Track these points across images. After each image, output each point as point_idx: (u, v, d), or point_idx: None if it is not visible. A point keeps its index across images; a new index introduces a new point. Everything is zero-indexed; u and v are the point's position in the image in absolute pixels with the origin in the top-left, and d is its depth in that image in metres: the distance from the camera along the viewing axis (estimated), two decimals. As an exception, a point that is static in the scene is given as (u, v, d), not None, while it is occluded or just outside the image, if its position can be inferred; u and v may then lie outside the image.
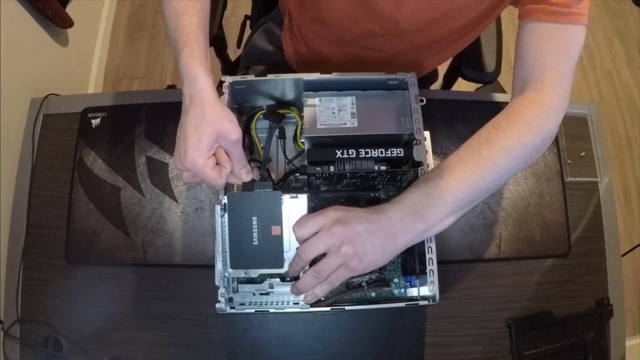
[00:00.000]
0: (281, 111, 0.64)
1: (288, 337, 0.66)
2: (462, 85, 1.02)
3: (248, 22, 1.07)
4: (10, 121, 0.92)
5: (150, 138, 0.75)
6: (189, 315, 0.68)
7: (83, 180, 0.73)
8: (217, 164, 0.50)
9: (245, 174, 0.53)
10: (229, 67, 1.09)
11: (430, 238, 0.52)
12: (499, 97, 0.80)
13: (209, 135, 0.48)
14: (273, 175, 0.64)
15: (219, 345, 0.67)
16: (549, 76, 0.54)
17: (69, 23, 1.24)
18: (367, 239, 0.47)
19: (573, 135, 0.79)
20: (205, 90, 0.49)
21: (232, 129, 0.49)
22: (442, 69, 1.03)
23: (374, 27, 0.66)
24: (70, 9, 1.26)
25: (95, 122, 0.76)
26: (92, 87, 1.54)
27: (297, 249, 0.49)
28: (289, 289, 0.52)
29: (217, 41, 0.97)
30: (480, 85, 0.98)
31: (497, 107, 0.77)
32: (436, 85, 1.08)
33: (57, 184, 0.74)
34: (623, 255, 0.77)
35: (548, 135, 0.54)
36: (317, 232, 0.48)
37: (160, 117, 0.76)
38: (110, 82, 1.64)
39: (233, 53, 1.09)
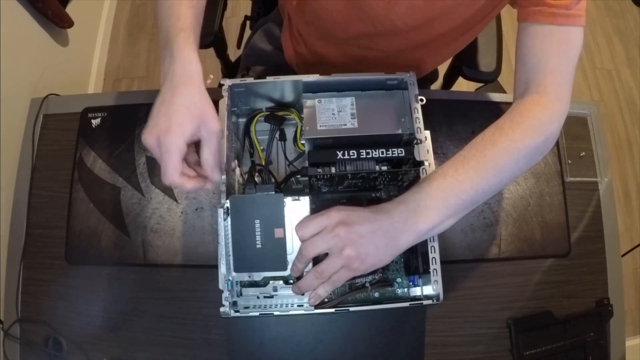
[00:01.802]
0: (281, 113, 0.64)
1: (288, 337, 0.66)
2: (462, 85, 1.02)
3: (248, 22, 1.07)
4: (10, 121, 0.92)
5: (150, 138, 0.74)
6: (189, 315, 0.68)
7: (83, 180, 0.73)
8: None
9: (217, 172, 0.50)
10: (229, 68, 1.09)
11: (433, 237, 0.52)
12: (499, 97, 0.80)
13: (195, 117, 0.48)
14: (274, 179, 0.64)
15: (220, 345, 0.67)
16: (550, 79, 0.55)
17: (69, 23, 1.25)
18: (369, 240, 0.47)
19: (573, 135, 0.79)
20: (198, 75, 0.50)
21: (215, 118, 0.49)
22: (442, 69, 1.03)
23: (369, 28, 0.66)
24: (70, 9, 1.26)
25: (95, 122, 0.76)
26: (92, 87, 1.54)
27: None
28: (292, 290, 0.52)
29: (217, 41, 0.96)
30: (480, 85, 0.98)
31: (497, 107, 0.78)
32: (436, 85, 1.08)
33: (57, 184, 0.74)
34: (623, 255, 0.77)
35: (551, 137, 0.55)
36: (319, 232, 0.48)
37: (160, 117, 0.75)
38: (110, 82, 1.64)
39: (233, 53, 1.08)
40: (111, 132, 0.75)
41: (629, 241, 1.52)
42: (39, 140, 0.77)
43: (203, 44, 0.88)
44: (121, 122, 0.76)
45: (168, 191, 0.72)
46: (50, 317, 0.69)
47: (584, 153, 0.78)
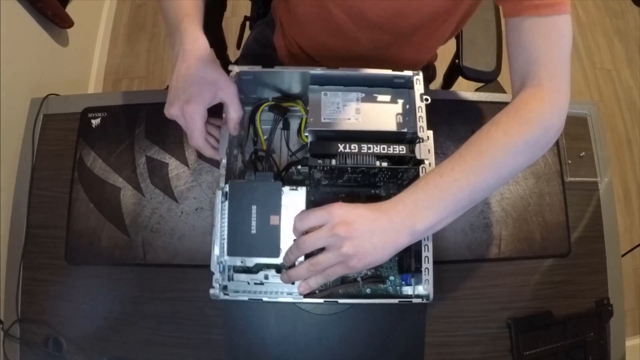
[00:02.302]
0: (286, 104, 0.64)
1: (287, 337, 0.66)
2: (462, 85, 1.02)
3: (247, 23, 1.07)
4: (10, 121, 0.92)
5: (150, 138, 0.75)
6: (189, 315, 0.68)
7: (83, 180, 0.73)
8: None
9: (237, 129, 0.57)
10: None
11: (427, 237, 0.52)
12: (499, 97, 0.80)
13: (211, 85, 0.53)
14: (275, 168, 0.64)
15: (219, 345, 0.67)
16: (545, 71, 0.53)
17: (69, 23, 1.25)
18: (368, 239, 0.47)
19: (573, 135, 0.79)
20: (206, 48, 0.55)
21: (229, 82, 0.55)
22: (442, 69, 1.03)
23: (344, 21, 0.67)
24: (70, 9, 1.26)
25: (95, 122, 0.76)
26: (92, 87, 1.54)
27: (294, 240, 0.50)
28: (280, 278, 0.52)
29: (217, 42, 0.97)
30: (480, 84, 0.98)
31: (497, 107, 0.77)
32: (436, 85, 1.08)
33: (57, 184, 0.74)
34: (623, 255, 0.77)
35: (552, 130, 0.53)
36: (318, 227, 0.48)
37: (160, 117, 0.74)
38: (110, 82, 1.64)
39: (233, 54, 1.09)
40: (111, 132, 0.75)
41: (629, 241, 1.52)
42: (39, 140, 0.77)
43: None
44: (121, 122, 0.76)
45: (168, 191, 0.72)
46: (50, 317, 0.69)
47: (584, 153, 0.78)
